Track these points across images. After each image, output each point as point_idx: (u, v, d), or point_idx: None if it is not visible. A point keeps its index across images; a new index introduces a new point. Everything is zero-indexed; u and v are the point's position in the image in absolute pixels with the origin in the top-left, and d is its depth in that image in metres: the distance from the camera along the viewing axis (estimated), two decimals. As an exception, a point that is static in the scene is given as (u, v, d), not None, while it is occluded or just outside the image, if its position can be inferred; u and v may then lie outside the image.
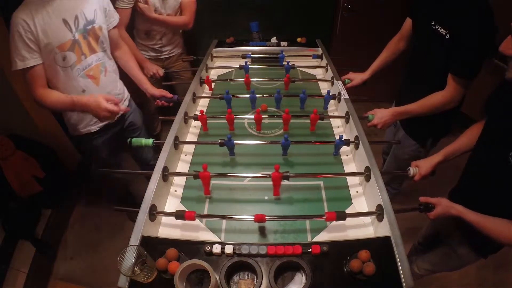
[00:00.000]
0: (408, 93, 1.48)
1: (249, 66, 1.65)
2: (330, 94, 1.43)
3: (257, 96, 1.42)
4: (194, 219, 0.90)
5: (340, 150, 1.24)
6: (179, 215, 0.90)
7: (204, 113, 1.29)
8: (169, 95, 1.54)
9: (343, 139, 1.15)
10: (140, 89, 1.59)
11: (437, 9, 1.24)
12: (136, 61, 1.60)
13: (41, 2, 1.14)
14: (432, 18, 1.25)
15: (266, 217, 0.88)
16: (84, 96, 1.27)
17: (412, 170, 1.15)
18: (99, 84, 1.38)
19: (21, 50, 1.14)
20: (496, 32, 1.08)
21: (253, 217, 0.88)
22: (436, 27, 1.23)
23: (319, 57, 1.87)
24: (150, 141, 1.22)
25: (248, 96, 1.42)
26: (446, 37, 1.17)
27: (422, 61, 1.37)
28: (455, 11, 1.15)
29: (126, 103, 1.58)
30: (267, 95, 1.48)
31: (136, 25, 1.91)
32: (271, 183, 1.01)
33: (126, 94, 1.59)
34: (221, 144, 1.15)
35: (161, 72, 1.88)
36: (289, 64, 1.63)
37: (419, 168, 1.14)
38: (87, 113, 1.29)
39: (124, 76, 1.58)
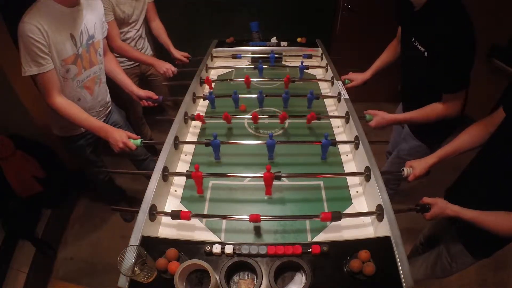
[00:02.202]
0: (408, 95, 1.48)
1: (250, 66, 1.64)
2: (313, 94, 1.42)
3: (250, 96, 1.43)
4: (189, 219, 0.90)
5: (340, 150, 1.24)
6: (174, 214, 0.90)
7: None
8: (155, 96, 1.59)
9: (328, 138, 1.13)
10: (124, 98, 1.57)
11: (414, 26, 1.22)
12: (120, 66, 1.61)
13: (51, 14, 1.14)
14: (412, 34, 1.23)
15: (261, 217, 0.88)
16: (110, 126, 1.30)
17: (406, 171, 1.13)
18: (93, 94, 1.42)
19: (35, 55, 1.12)
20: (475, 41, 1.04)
21: (248, 217, 0.88)
22: (416, 44, 1.21)
23: (309, 56, 1.88)
24: (138, 141, 1.28)
25: (245, 96, 1.43)
26: (425, 55, 1.16)
27: (410, 68, 1.36)
28: (430, 29, 1.12)
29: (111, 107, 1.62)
30: (266, 95, 1.47)
31: None
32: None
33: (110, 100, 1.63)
34: (206, 144, 1.15)
35: (173, 68, 1.82)
36: (303, 64, 1.62)
37: (413, 168, 1.12)
38: (105, 138, 1.28)
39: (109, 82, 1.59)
